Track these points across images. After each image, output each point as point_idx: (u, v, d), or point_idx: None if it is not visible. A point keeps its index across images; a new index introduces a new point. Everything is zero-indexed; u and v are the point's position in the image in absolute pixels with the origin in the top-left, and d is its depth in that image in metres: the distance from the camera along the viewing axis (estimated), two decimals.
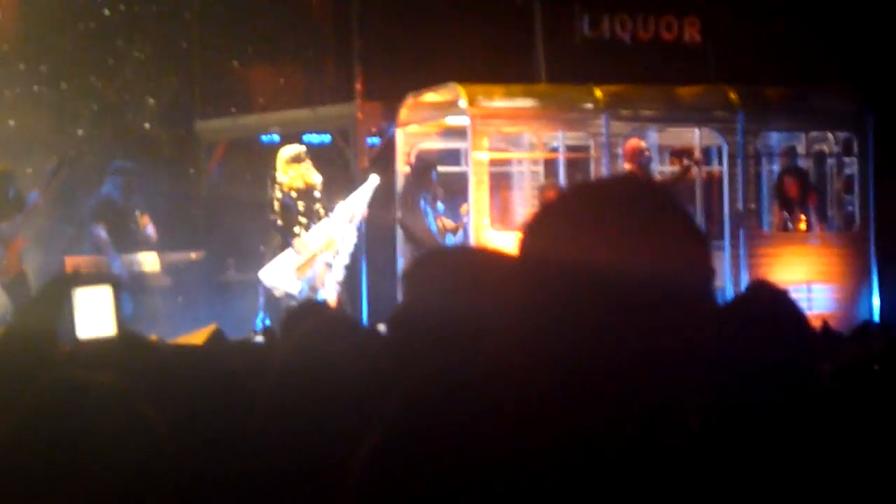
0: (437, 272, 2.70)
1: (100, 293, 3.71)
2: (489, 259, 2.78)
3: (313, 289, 14.13)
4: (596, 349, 2.14)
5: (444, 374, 2.20)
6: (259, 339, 8.80)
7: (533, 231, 2.28)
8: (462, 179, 14.93)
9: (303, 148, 14.53)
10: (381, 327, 3.14)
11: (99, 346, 3.60)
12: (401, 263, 14.87)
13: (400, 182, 15.10)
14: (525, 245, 2.28)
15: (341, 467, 2.17)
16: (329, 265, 14.23)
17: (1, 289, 13.75)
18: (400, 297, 2.66)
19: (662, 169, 16.34)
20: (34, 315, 3.48)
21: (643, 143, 15.04)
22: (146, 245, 14.48)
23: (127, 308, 4.04)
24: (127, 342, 3.70)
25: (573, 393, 2.13)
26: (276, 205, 14.22)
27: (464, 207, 14.73)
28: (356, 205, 14.47)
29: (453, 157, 15.85)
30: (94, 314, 3.69)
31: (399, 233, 14.97)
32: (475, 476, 2.07)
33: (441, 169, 15.35)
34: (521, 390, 2.12)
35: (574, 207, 2.26)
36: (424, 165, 14.83)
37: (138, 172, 14.76)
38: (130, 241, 14.36)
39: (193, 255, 15.76)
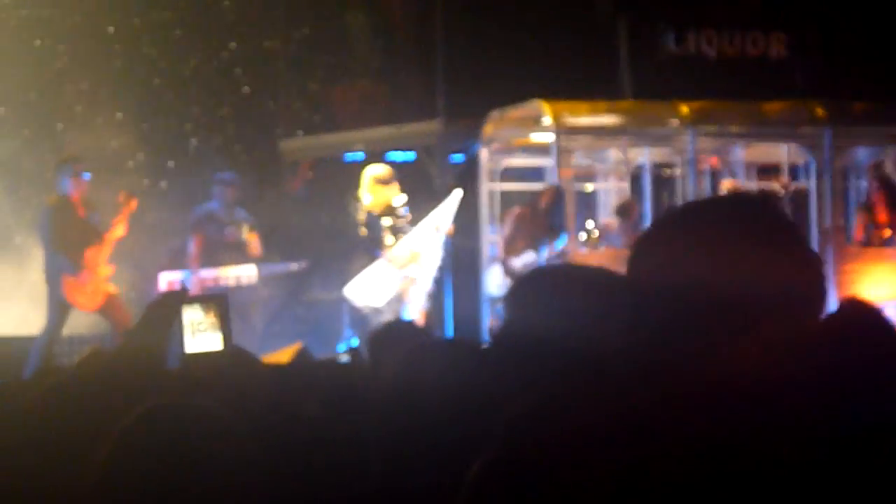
0: (541, 290, 2.69)
1: (207, 309, 3.77)
2: (593, 276, 2.76)
3: (399, 302, 14.11)
4: (706, 367, 2.12)
5: (559, 390, 2.18)
6: (345, 358, 8.77)
7: (643, 248, 2.26)
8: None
9: (389, 168, 14.53)
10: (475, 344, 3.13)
11: (206, 362, 3.65)
12: (488, 285, 14.83)
13: (487, 203, 15.03)
14: (635, 262, 2.26)
15: (452, 488, 2.15)
16: (414, 279, 14.22)
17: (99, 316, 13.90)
18: (504, 316, 2.64)
19: (749, 185, 16.20)
20: (144, 335, 3.52)
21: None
22: (248, 258, 14.50)
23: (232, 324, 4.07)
24: (233, 359, 3.73)
25: (684, 411, 2.10)
26: (361, 222, 14.23)
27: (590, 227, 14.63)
28: (440, 218, 14.45)
29: (537, 174, 15.80)
30: (202, 330, 3.75)
31: (486, 256, 14.93)
32: (589, 492, 2.05)
33: (525, 186, 15.32)
34: (634, 407, 2.09)
35: (686, 225, 2.24)
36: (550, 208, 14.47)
37: (241, 185, 14.81)
38: (230, 254, 14.40)
39: (294, 267, 15.73)
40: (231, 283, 14.36)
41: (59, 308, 13.60)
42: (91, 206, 13.86)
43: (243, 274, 14.48)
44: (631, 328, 2.22)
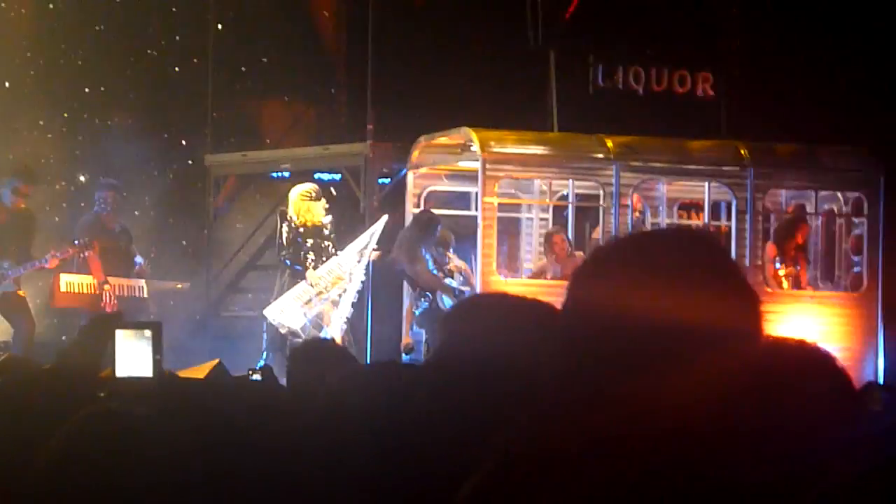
0: (476, 315, 2.72)
1: (139, 336, 3.82)
2: (527, 305, 2.79)
3: (318, 326, 14.11)
4: (635, 398, 2.13)
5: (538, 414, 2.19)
6: (256, 377, 8.76)
7: (582, 277, 2.28)
8: (471, 224, 14.92)
9: (316, 186, 14.54)
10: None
11: (136, 385, 3.69)
12: (405, 306, 14.84)
13: (403, 232, 15.09)
14: (573, 291, 2.27)
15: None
16: (335, 303, 14.22)
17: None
18: (440, 337, 2.66)
19: (670, 221, 16.34)
20: (78, 355, 3.55)
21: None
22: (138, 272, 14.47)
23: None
24: (162, 383, 3.77)
25: (613, 439, 2.13)
26: (285, 240, 14.22)
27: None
28: (365, 244, 14.47)
29: (463, 200, 15.87)
30: (134, 355, 3.80)
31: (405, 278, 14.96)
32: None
33: (450, 213, 15.38)
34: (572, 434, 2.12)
35: (626, 256, 2.25)
36: (428, 222, 14.60)
37: (121, 188, 14.74)
38: (119, 263, 14.33)
39: (179, 286, 15.75)
40: (124, 293, 14.28)
41: None
42: (19, 219, 13.78)
43: (135, 285, 14.43)
44: (563, 355, 2.23)
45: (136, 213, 15.98)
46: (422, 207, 15.40)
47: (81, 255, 13.86)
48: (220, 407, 3.78)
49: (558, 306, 2.48)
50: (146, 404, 3.13)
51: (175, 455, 2.47)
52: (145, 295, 14.49)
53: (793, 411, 2.17)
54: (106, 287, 14.02)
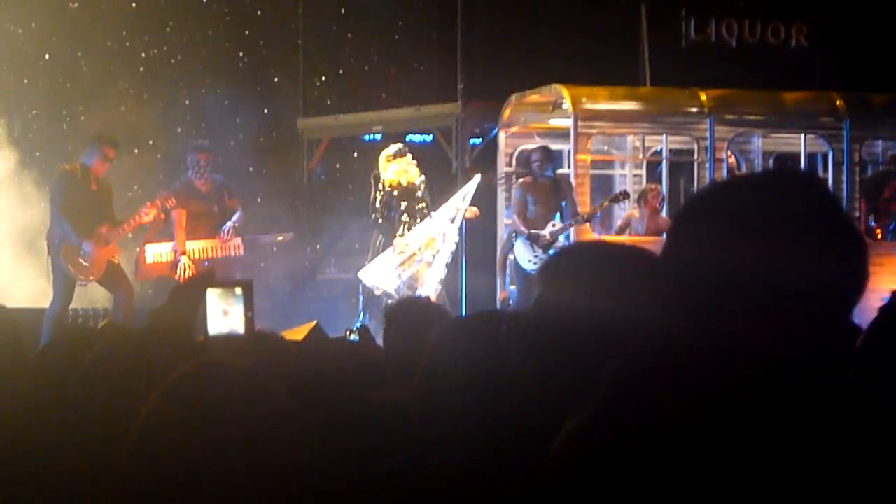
0: (577, 265, 2.69)
1: (232, 293, 3.87)
2: (627, 254, 2.76)
3: (412, 287, 14.15)
4: (743, 346, 2.10)
5: (642, 363, 2.17)
6: (354, 337, 8.83)
7: (683, 224, 2.24)
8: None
9: (399, 145, 14.55)
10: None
11: (229, 344, 3.74)
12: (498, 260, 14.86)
13: (504, 186, 15.06)
14: (674, 238, 2.23)
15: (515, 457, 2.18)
16: (429, 264, 14.25)
17: (98, 285, 13.85)
18: (539, 289, 2.63)
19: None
20: (170, 316, 3.59)
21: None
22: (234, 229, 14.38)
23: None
24: (255, 339, 3.81)
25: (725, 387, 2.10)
26: (378, 203, 14.25)
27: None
28: (458, 204, 14.47)
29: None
30: (225, 313, 3.85)
31: (503, 238, 14.94)
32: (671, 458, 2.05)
33: None
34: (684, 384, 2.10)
35: (728, 201, 2.19)
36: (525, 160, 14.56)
37: (213, 149, 14.69)
38: (213, 223, 14.30)
39: (280, 237, 15.63)
40: (218, 253, 14.29)
41: (62, 277, 13.60)
42: (104, 186, 13.83)
43: (230, 244, 14.36)
44: (667, 305, 2.20)
45: (231, 178, 16.03)
46: (514, 166, 15.38)
47: (163, 215, 13.89)
48: (319, 368, 3.81)
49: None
50: (241, 357, 3.16)
51: (275, 411, 2.48)
52: (241, 252, 14.39)
53: None
54: (183, 259, 14.03)
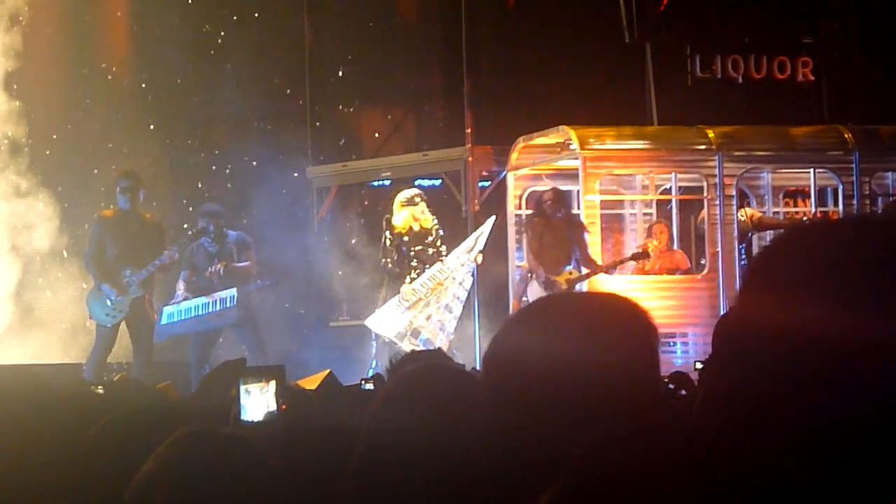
0: (552, 315, 2.60)
1: (265, 379, 3.91)
2: (610, 306, 2.66)
3: (416, 334, 14.11)
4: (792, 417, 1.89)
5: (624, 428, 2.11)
6: (369, 386, 8.81)
7: (750, 284, 1.92)
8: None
9: (418, 191, 14.57)
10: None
11: (261, 430, 3.77)
12: (511, 304, 14.83)
13: (514, 229, 15.07)
14: (743, 298, 1.90)
15: None
16: (437, 310, 14.22)
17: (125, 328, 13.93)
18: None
19: (776, 210, 16.18)
20: (203, 401, 3.64)
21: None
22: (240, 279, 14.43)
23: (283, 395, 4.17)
24: (287, 428, 3.81)
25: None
26: (388, 248, 14.26)
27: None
28: (471, 247, 14.46)
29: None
30: (258, 400, 3.89)
31: (515, 280, 14.92)
32: None
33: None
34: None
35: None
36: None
37: (226, 215, 14.77)
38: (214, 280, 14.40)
39: (267, 283, 15.62)
40: (216, 308, 14.36)
41: (97, 325, 13.78)
42: (149, 223, 13.92)
43: (226, 296, 14.42)
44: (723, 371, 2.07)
45: (241, 227, 16.06)
46: (523, 209, 15.38)
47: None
48: (333, 416, 3.79)
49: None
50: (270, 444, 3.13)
51: (264, 476, 2.49)
52: (234, 303, 14.41)
53: None
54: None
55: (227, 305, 14.31)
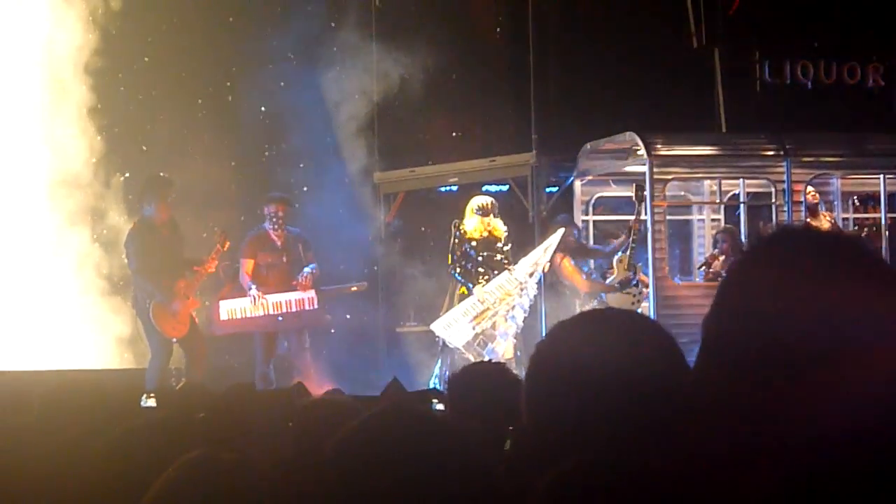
0: (579, 328, 2.62)
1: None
2: (646, 322, 2.68)
3: (482, 344, 14.08)
4: (791, 410, 2.02)
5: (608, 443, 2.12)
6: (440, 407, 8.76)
7: (732, 279, 2.16)
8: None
9: (489, 200, 14.54)
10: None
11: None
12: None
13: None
14: (724, 292, 2.15)
15: None
16: (504, 318, 14.19)
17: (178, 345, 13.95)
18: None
19: (846, 216, 16.05)
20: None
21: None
22: (311, 277, 14.43)
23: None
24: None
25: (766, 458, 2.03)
26: (456, 252, 14.26)
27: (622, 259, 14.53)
28: (539, 257, 14.43)
29: (632, 205, 15.75)
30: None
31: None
32: None
33: (620, 218, 15.30)
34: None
35: (777, 257, 2.14)
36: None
37: (290, 200, 14.78)
38: (286, 276, 14.38)
39: (355, 287, 15.68)
40: (293, 307, 14.35)
41: (157, 335, 13.70)
42: (176, 231, 13.94)
43: (304, 297, 14.40)
44: (704, 363, 2.14)
45: (308, 232, 16.10)
46: (591, 214, 15.35)
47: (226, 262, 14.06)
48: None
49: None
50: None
51: (271, 500, 2.52)
52: (315, 306, 14.44)
53: None
54: (253, 290, 14.16)
55: (307, 308, 14.34)
